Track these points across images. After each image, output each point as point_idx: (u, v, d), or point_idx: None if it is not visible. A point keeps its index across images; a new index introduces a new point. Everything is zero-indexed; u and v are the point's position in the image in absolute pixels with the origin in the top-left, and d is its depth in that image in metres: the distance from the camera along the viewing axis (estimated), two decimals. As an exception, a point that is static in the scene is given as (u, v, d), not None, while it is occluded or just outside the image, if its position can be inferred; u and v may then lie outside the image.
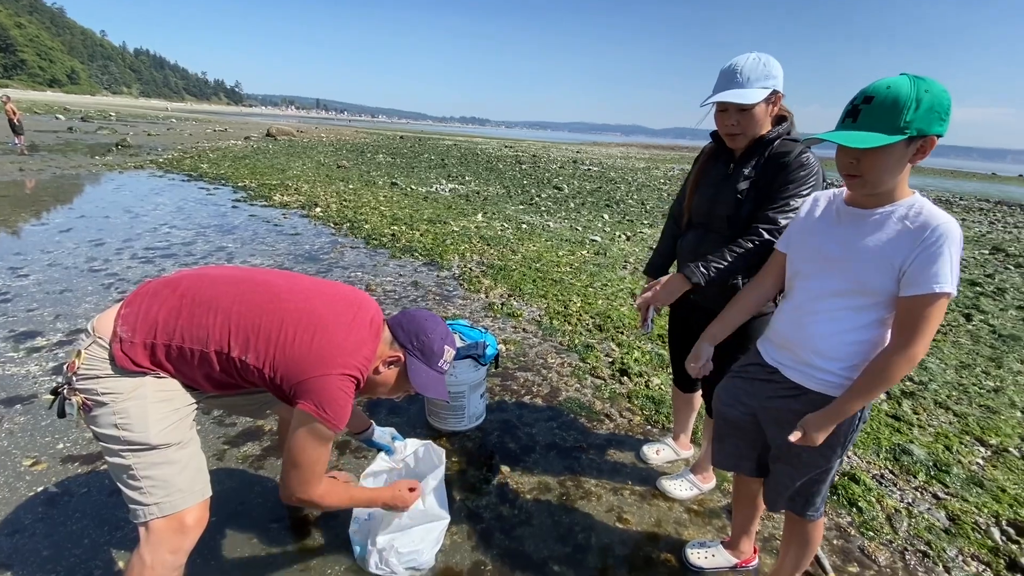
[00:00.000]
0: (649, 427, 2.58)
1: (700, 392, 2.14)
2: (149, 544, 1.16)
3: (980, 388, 3.26)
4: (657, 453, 2.33)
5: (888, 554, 1.88)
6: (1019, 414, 2.96)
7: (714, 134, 1.70)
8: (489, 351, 2.34)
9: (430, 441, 1.83)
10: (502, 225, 7.28)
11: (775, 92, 1.51)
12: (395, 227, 6.59)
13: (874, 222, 1.15)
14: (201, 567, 1.58)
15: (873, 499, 2.13)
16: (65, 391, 1.16)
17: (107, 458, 1.18)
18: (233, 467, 2.07)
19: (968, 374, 3.46)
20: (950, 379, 3.35)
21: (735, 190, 1.59)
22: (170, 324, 1.19)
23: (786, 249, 1.36)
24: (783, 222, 1.48)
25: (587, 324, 3.84)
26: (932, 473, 2.35)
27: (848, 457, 2.43)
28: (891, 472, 2.35)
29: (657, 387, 2.95)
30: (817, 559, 1.79)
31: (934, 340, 4.05)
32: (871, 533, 1.96)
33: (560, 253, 5.90)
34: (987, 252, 8.18)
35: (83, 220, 6.01)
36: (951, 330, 4.32)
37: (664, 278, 1.70)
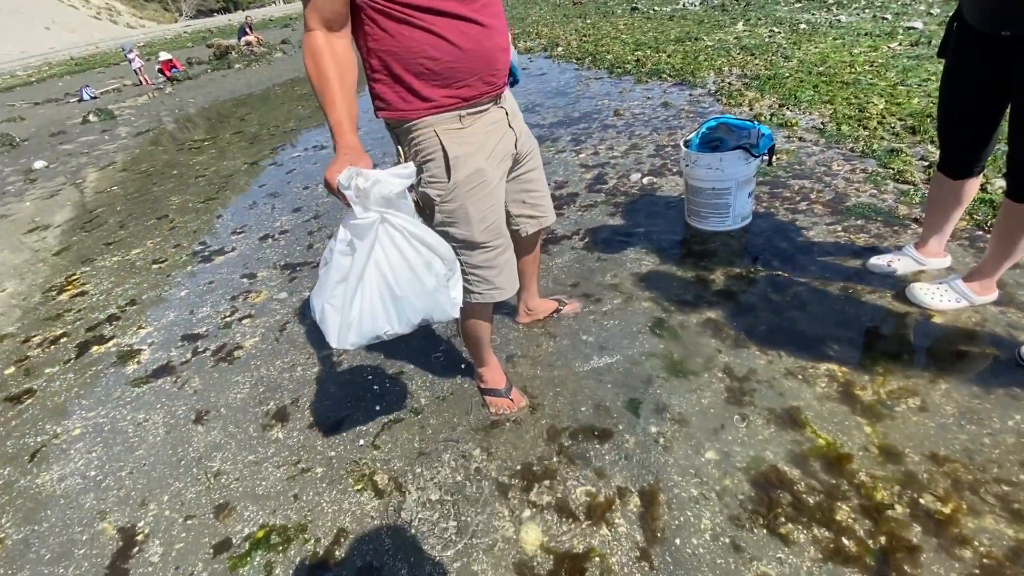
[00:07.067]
0: (979, 231, 2.05)
1: (976, 179, 1.62)
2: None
3: None
4: (889, 264, 1.87)
5: None
6: None
7: None
8: (763, 141, 2.11)
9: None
10: (771, 30, 5.97)
11: None
12: (639, 53, 6.09)
13: None
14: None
15: None
16: None
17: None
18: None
19: None
20: None
21: None
22: None
23: None
24: None
25: (892, 128, 3.05)
26: None
27: None
28: None
29: (999, 190, 2.25)
30: None
31: None
32: None
33: (855, 51, 4.60)
34: None
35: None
36: None
37: None
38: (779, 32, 5.82)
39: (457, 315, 1.14)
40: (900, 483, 1.24)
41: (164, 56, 12.53)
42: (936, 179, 1.73)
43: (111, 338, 2.45)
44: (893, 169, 2.60)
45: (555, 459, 1.47)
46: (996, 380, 1.44)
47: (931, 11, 5.62)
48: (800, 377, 1.56)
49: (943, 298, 1.70)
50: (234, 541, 1.40)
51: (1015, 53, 1.33)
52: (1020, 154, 1.39)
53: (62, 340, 2.51)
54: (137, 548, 1.43)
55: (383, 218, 1.00)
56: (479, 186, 1.25)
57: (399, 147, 1.25)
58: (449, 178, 1.21)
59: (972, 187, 1.68)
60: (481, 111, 1.22)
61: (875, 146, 2.86)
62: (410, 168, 1.02)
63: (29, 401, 2.13)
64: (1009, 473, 1.21)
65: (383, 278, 1.03)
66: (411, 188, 1.25)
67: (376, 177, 0.97)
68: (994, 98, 1.46)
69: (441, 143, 1.18)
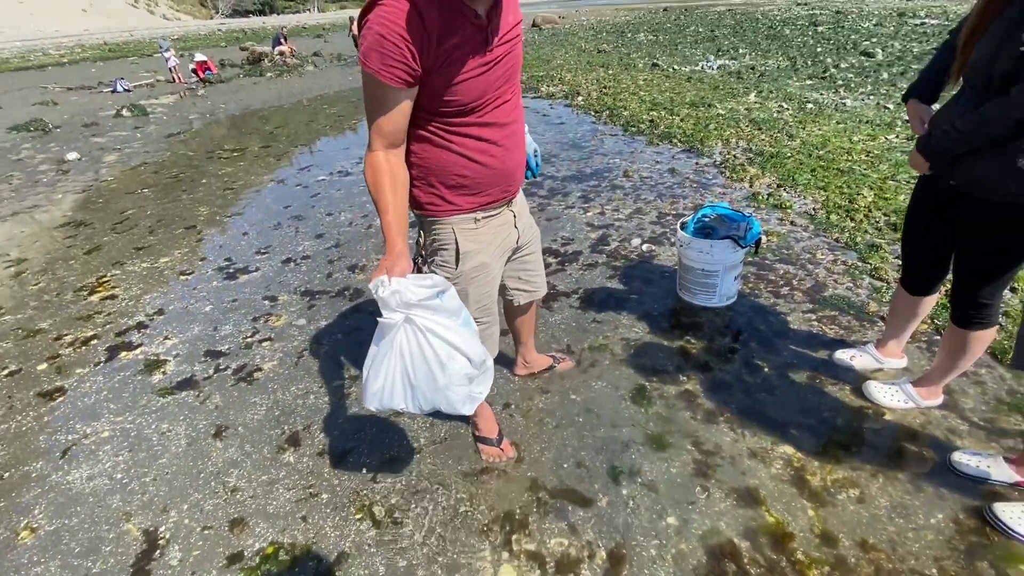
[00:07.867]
0: (937, 336, 2.27)
1: (934, 295, 1.86)
2: None
3: None
4: (851, 359, 2.11)
5: None
6: None
7: None
8: (751, 234, 2.35)
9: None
10: (780, 105, 6.33)
11: None
12: (654, 113, 6.43)
13: None
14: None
15: None
16: None
17: None
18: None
19: None
20: None
21: (1020, 40, 1.26)
22: None
23: None
24: None
25: (877, 222, 3.30)
26: None
27: None
28: None
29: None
30: None
31: None
32: None
33: (855, 138, 4.91)
34: None
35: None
36: None
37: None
38: (787, 108, 6.17)
39: (469, 412, 1.32)
40: (831, 565, 1.43)
41: (199, 57, 13.02)
42: (898, 290, 1.96)
43: (139, 345, 2.65)
44: (871, 264, 2.84)
45: (535, 510, 1.66)
46: (928, 480, 1.64)
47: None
48: (760, 457, 1.76)
49: (893, 398, 1.91)
50: (246, 554, 1.58)
51: (960, 201, 1.57)
52: (962, 289, 1.62)
53: (93, 342, 2.71)
54: (159, 551, 1.60)
55: (408, 318, 1.18)
56: (481, 276, 1.50)
57: (421, 231, 1.51)
58: (457, 266, 1.46)
59: (929, 302, 1.90)
60: (494, 215, 1.47)
61: (858, 239, 3.11)
62: (434, 279, 1.21)
63: (60, 399, 2.32)
64: (923, 566, 1.40)
65: (404, 367, 1.22)
66: (428, 264, 1.49)
67: (396, 287, 1.16)
68: (948, 230, 1.68)
69: (456, 238, 1.43)
